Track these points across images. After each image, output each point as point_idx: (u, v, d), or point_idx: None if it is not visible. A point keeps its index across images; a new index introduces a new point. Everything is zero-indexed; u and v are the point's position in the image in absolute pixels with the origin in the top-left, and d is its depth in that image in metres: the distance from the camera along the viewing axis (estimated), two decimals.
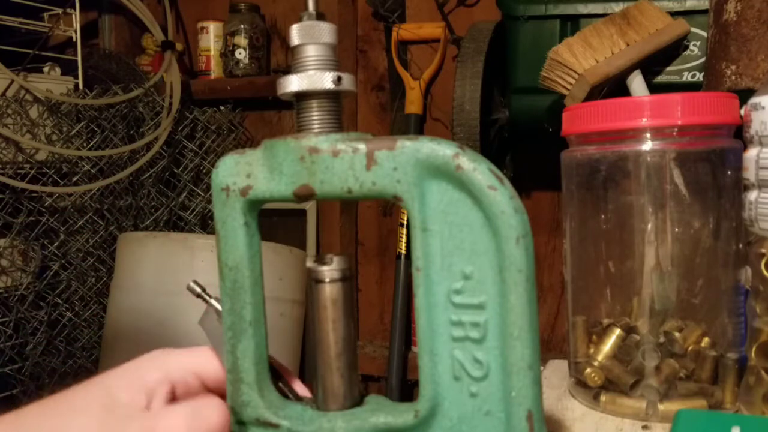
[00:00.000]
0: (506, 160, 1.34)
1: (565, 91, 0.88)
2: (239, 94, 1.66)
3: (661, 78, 0.99)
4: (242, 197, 0.40)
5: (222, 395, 0.42)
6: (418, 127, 1.49)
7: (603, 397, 0.65)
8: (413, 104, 1.49)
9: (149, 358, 0.41)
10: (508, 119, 1.15)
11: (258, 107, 1.74)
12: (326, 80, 0.39)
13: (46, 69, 1.44)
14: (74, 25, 1.52)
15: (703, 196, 0.63)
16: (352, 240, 1.62)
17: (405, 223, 1.47)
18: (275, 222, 1.63)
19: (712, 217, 0.64)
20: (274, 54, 1.74)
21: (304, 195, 0.39)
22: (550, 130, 1.04)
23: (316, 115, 0.40)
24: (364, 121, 1.61)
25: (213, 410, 0.39)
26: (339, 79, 0.39)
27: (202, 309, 0.45)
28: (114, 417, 0.37)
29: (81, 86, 1.50)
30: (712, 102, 0.61)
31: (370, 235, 1.63)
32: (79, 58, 1.51)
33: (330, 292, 0.41)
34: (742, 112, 0.61)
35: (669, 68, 0.99)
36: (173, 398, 0.40)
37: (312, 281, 0.41)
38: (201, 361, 0.43)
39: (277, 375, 0.44)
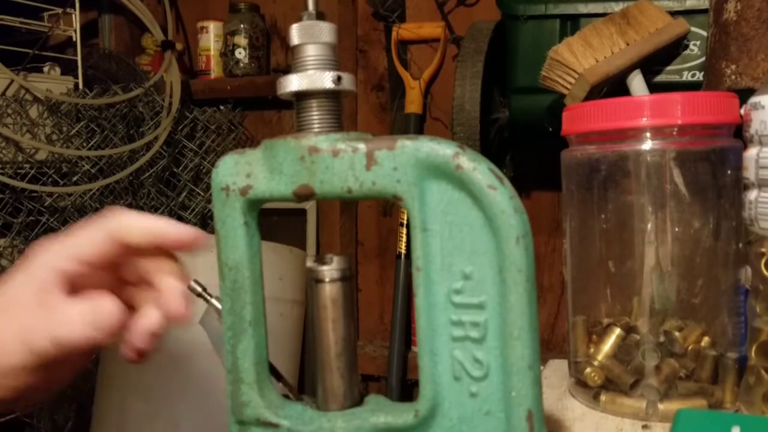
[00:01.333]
0: (506, 160, 1.34)
1: (565, 91, 0.88)
2: (239, 93, 1.66)
3: (661, 77, 0.99)
4: (242, 197, 0.40)
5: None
6: (418, 126, 1.49)
7: (603, 397, 0.65)
8: (413, 104, 1.49)
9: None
10: (508, 119, 1.15)
11: (258, 107, 1.74)
12: (326, 80, 0.39)
13: (46, 69, 1.44)
14: (74, 24, 1.52)
15: (703, 196, 0.63)
16: (352, 240, 1.62)
17: (405, 223, 1.47)
18: (275, 222, 1.63)
19: (712, 217, 0.64)
20: (274, 54, 1.74)
21: (304, 195, 0.39)
22: (550, 129, 1.04)
23: (316, 114, 0.40)
24: (364, 121, 1.61)
25: (108, 305, 0.40)
26: (339, 78, 0.39)
27: (202, 309, 0.45)
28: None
29: (81, 86, 1.49)
30: (712, 101, 0.61)
31: (370, 235, 1.63)
32: (79, 58, 1.51)
33: (330, 291, 0.41)
34: (742, 111, 0.61)
35: (669, 68, 0.99)
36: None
37: (312, 281, 0.41)
38: (160, 225, 0.43)
39: (277, 375, 0.44)
